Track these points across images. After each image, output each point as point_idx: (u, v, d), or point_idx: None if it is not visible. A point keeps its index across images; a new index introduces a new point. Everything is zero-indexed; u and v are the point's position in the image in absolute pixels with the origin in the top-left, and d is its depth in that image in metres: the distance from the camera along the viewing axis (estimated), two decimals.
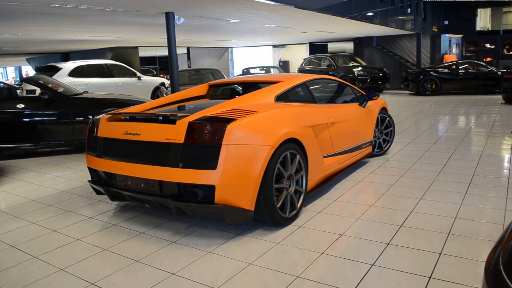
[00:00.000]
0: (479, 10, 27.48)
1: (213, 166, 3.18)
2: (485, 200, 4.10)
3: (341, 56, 18.47)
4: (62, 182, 5.42)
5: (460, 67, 15.36)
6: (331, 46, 25.94)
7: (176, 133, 3.32)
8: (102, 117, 4.01)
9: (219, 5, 9.18)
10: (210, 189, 3.22)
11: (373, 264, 2.87)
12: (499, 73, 14.41)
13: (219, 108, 3.67)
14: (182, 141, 3.28)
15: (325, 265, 2.90)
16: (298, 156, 3.80)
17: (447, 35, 24.36)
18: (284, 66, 26.41)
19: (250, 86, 4.94)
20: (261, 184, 3.38)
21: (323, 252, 3.08)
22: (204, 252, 3.21)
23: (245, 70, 14.66)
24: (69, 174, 5.84)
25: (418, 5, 20.74)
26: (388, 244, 3.18)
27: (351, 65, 17.29)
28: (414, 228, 3.45)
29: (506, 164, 5.51)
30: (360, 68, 16.64)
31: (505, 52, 24.38)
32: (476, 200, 4.10)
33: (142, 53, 21.58)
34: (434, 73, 15.41)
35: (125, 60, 16.87)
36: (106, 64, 13.09)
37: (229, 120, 3.32)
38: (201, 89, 5.21)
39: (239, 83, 5.20)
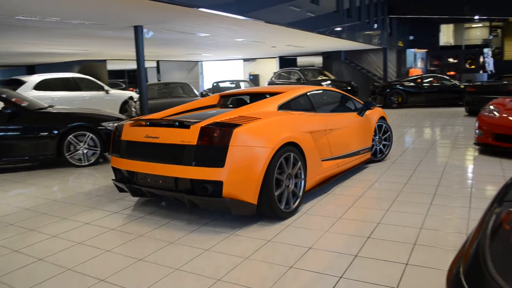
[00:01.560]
0: (442, 26, 28.43)
1: (221, 165, 3.69)
2: (449, 210, 4.20)
3: (310, 70, 18.73)
4: (25, 200, 5.25)
5: (425, 81, 15.81)
6: (301, 60, 26.32)
7: (190, 136, 3.87)
8: (126, 123, 4.60)
9: (188, 19, 9.20)
10: (219, 184, 3.72)
11: (341, 277, 2.88)
12: (462, 86, 14.91)
13: (227, 115, 4.23)
14: (195, 143, 3.83)
15: (292, 278, 2.89)
16: (297, 158, 4.27)
17: (412, 49, 25.09)
18: (254, 80, 26.58)
19: (256, 97, 5.47)
20: (263, 181, 3.85)
21: (291, 266, 3.08)
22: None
23: (215, 84, 14.66)
24: (33, 191, 5.67)
25: (384, 21, 21.33)
26: (356, 256, 3.20)
27: (320, 78, 17.54)
28: (381, 240, 3.50)
29: (469, 175, 5.67)
30: (328, 82, 16.89)
31: (467, 66, 25.26)
32: (441, 210, 4.19)
33: (111, 66, 21.33)
34: (400, 86, 15.80)
35: (93, 73, 16.60)
36: (73, 78, 12.85)
37: (236, 125, 3.85)
38: (213, 99, 5.84)
39: (247, 94, 5.81)
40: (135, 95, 13.47)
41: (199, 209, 4.32)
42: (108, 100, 13.14)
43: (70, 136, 6.98)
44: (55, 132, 6.91)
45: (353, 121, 5.78)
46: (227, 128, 3.81)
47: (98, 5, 7.06)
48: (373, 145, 6.38)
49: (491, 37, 28.28)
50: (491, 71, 23.40)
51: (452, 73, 24.29)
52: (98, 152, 7.19)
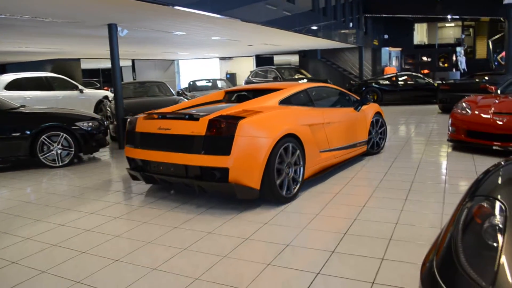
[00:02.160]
0: (416, 25, 28.96)
1: (228, 153, 4.08)
2: (424, 205, 4.28)
3: (287, 69, 18.80)
4: None
5: (399, 79, 16.07)
6: (277, 59, 26.41)
7: (199, 128, 4.26)
8: (139, 116, 4.98)
9: (164, 18, 9.11)
10: (225, 171, 4.12)
11: (318, 273, 2.91)
12: (436, 84, 15.21)
13: (233, 109, 4.63)
14: (203, 133, 4.22)
15: (271, 276, 2.90)
16: (296, 148, 4.64)
17: (387, 48, 25.48)
18: (231, 78, 26.53)
19: (259, 92, 5.77)
20: (265, 168, 4.23)
21: (269, 263, 3.09)
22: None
23: (191, 83, 14.55)
24: (5, 193, 5.53)
25: (360, 20, 21.58)
26: (333, 252, 3.24)
27: (296, 77, 17.63)
28: (357, 235, 3.55)
29: (443, 171, 5.79)
30: (305, 81, 16.99)
31: (441, 64, 25.81)
32: (416, 205, 4.27)
33: (85, 65, 20.97)
34: (375, 84, 16.02)
35: (66, 72, 16.30)
36: (46, 77, 12.58)
37: (241, 118, 4.24)
38: (219, 94, 6.24)
39: (250, 90, 6.14)
40: (110, 95, 13.29)
41: (198, 196, 4.86)
42: (82, 99, 12.92)
43: (43, 137, 6.84)
44: (28, 132, 6.76)
45: (349, 115, 6.13)
46: (233, 120, 4.20)
47: (70, 2, 6.93)
48: (370, 138, 6.74)
49: (463, 36, 28.93)
50: (463, 69, 23.97)
51: (426, 71, 24.79)
52: (73, 152, 7.07)
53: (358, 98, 6.63)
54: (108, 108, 10.26)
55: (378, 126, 6.95)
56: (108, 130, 9.00)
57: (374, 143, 6.91)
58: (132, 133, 4.97)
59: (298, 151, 4.68)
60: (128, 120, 5.16)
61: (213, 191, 4.44)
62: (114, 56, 8.81)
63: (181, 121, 4.50)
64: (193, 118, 4.42)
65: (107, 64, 11.17)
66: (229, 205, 4.54)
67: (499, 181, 1.89)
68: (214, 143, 4.19)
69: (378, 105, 7.14)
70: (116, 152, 8.47)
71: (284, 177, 4.47)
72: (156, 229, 3.93)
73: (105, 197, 5.17)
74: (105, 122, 7.90)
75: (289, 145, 4.52)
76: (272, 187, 4.30)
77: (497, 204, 1.62)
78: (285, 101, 5.16)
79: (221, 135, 4.17)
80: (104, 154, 8.23)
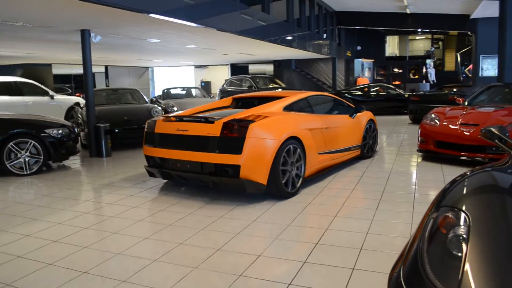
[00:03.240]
0: (388, 37, 29.62)
1: (239, 152, 4.66)
2: (394, 215, 4.35)
3: (262, 78, 18.88)
4: None
5: (372, 90, 16.35)
6: (252, 68, 26.52)
7: (214, 129, 4.84)
8: (158, 119, 5.57)
9: (139, 25, 9.05)
10: (237, 167, 4.68)
11: (289, 284, 2.91)
12: (406, 95, 15.54)
13: (243, 113, 5.21)
14: (218, 134, 4.80)
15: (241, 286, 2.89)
16: (298, 149, 5.21)
17: (360, 59, 25.93)
18: (205, 86, 26.49)
19: (263, 99, 6.34)
20: (271, 166, 4.79)
21: (241, 274, 3.07)
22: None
23: (165, 91, 14.43)
24: None
25: (333, 31, 21.91)
26: (305, 262, 3.24)
27: (271, 86, 17.72)
28: (329, 245, 3.57)
29: (413, 180, 5.90)
30: (279, 90, 17.10)
31: (411, 76, 26.41)
32: (386, 215, 4.34)
33: (56, 70, 20.57)
34: (348, 95, 16.24)
35: (37, 77, 15.92)
36: (15, 82, 12.25)
37: (251, 121, 4.82)
38: (227, 101, 6.86)
39: (255, 97, 6.77)
40: (82, 101, 13.05)
41: (208, 192, 5.38)
42: (53, 106, 12.64)
43: (10, 143, 6.65)
44: None
45: (345, 121, 6.75)
46: (245, 123, 4.79)
47: (43, 7, 6.80)
48: (365, 143, 7.34)
49: (432, 49, 29.72)
50: (433, 81, 24.54)
51: (397, 82, 25.31)
52: (41, 160, 6.90)
53: (353, 106, 7.29)
54: (79, 115, 10.08)
55: (371, 131, 7.55)
56: (79, 138, 8.83)
57: (369, 148, 7.48)
58: (151, 134, 5.53)
59: (300, 152, 5.24)
60: (147, 122, 5.73)
61: (225, 186, 4.97)
62: (86, 62, 8.67)
63: (197, 123, 5.12)
64: (208, 121, 5.01)
65: (80, 70, 11.00)
66: (203, 216, 4.50)
67: (464, 192, 1.93)
68: (228, 143, 4.76)
69: (371, 113, 7.73)
70: (86, 160, 8.30)
71: (287, 174, 5.03)
72: (127, 240, 3.86)
73: (74, 206, 5.05)
74: (76, 130, 7.75)
75: (292, 146, 5.10)
76: (277, 183, 4.87)
77: (461, 214, 1.66)
78: (288, 108, 5.76)
79: (233, 136, 4.75)
80: (74, 162, 8.06)
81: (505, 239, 1.51)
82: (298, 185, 5.23)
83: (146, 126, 5.67)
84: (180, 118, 5.36)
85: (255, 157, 4.72)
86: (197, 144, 4.94)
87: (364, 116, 7.38)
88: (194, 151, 4.95)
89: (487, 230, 1.57)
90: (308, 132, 5.49)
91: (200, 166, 4.96)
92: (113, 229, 4.17)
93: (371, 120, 7.56)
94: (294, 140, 5.15)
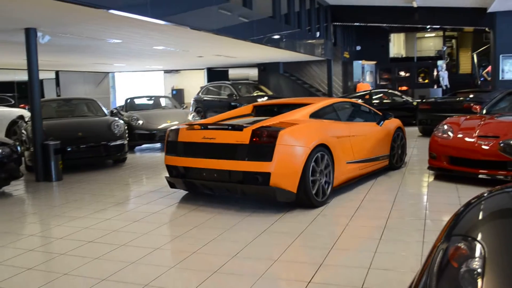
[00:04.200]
0: (392, 35, 30.06)
1: (270, 159, 5.32)
2: (401, 246, 4.37)
3: (244, 85, 18.98)
4: None
5: (374, 97, 16.55)
6: (233, 73, 26.61)
7: (243, 137, 5.51)
8: (181, 127, 6.28)
9: (94, 22, 9.04)
10: (267, 175, 5.34)
11: None
12: (415, 103, 15.71)
13: (271, 121, 5.90)
14: (247, 142, 5.46)
15: None
16: (326, 156, 5.89)
17: (360, 61, 26.22)
18: (177, 95, 26.48)
19: (285, 107, 7.22)
20: (301, 174, 5.43)
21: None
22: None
23: (128, 101, 14.37)
24: None
25: (328, 29, 22.16)
26: None
27: (255, 94, 17.82)
28: (323, 284, 3.56)
29: (423, 204, 5.95)
30: (265, 99, 17.16)
31: (420, 80, 26.78)
32: (392, 246, 4.35)
33: None
34: None
35: None
36: None
37: (281, 128, 5.50)
38: (247, 108, 7.63)
39: (276, 105, 7.71)
40: (27, 114, 12.91)
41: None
42: None
43: None
44: None
45: (372, 129, 7.46)
46: (274, 130, 5.46)
47: None
48: (394, 153, 8.01)
49: (444, 48, 30.21)
50: (446, 86, 24.90)
51: (404, 88, 25.60)
52: None
53: (381, 113, 7.95)
54: (23, 131, 9.95)
55: (399, 141, 8.22)
56: (23, 158, 8.72)
57: (398, 158, 8.14)
58: (174, 143, 6.22)
59: (328, 160, 5.91)
60: (169, 130, 6.46)
61: (254, 194, 5.70)
62: (32, 67, 8.61)
63: (225, 131, 5.81)
64: (236, 128, 5.68)
65: (24, 76, 10.92)
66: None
67: (480, 217, 1.95)
68: (257, 150, 5.45)
69: (399, 121, 8.46)
70: (32, 185, 8.18)
71: (317, 183, 5.67)
72: (79, 282, 3.79)
73: (16, 242, 4.97)
74: (19, 148, 7.66)
75: (321, 154, 5.76)
76: (307, 191, 5.51)
77: (476, 245, 1.67)
78: (315, 115, 6.46)
79: (263, 143, 5.42)
80: (17, 188, 7.94)
81: None
82: (327, 194, 5.90)
83: (167, 135, 6.44)
84: (205, 126, 6.14)
85: (286, 165, 5.41)
86: (225, 152, 5.64)
87: (392, 123, 8.07)
88: (222, 159, 5.65)
89: (506, 263, 1.58)
90: (336, 140, 6.21)
91: (228, 175, 5.66)
92: (63, 269, 4.10)
93: (399, 128, 8.23)
94: (323, 147, 5.84)
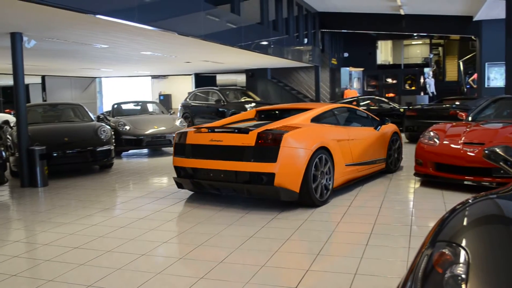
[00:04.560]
0: (380, 42, 30.30)
1: (274, 160, 5.69)
2: (387, 251, 4.39)
3: (232, 90, 18.99)
4: None
5: (361, 104, 16.63)
6: (221, 78, 26.66)
7: (249, 140, 5.88)
8: (189, 130, 6.67)
9: (81, 27, 9.01)
10: (272, 175, 5.71)
11: None
12: (402, 110, 15.83)
13: (274, 125, 6.32)
14: (253, 144, 5.84)
15: None
16: (327, 159, 6.28)
17: (347, 68, 26.36)
18: (165, 100, 26.42)
19: (286, 112, 7.70)
20: (304, 174, 5.80)
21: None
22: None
23: (115, 106, 14.31)
24: None
25: (316, 36, 22.30)
26: None
27: (243, 100, 17.83)
28: None
29: (409, 210, 5.98)
30: (253, 104, 17.16)
31: (407, 87, 26.97)
32: (378, 252, 4.37)
33: None
34: None
35: None
36: None
37: (285, 132, 5.87)
38: (250, 113, 8.13)
39: (278, 109, 8.13)
40: (12, 119, 12.81)
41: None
42: None
43: None
44: None
45: (370, 134, 7.83)
46: (279, 133, 5.83)
47: None
48: (390, 155, 8.39)
49: (431, 55, 30.49)
50: (432, 93, 25.10)
51: (391, 95, 25.76)
52: None
53: (378, 119, 8.42)
54: (8, 136, 9.86)
55: (396, 145, 8.65)
56: (8, 164, 8.64)
57: (394, 161, 8.54)
58: (183, 145, 6.58)
59: (329, 162, 6.30)
60: (176, 133, 6.83)
61: (259, 194, 6.05)
62: (17, 71, 8.55)
63: (231, 134, 6.17)
64: (242, 131, 6.06)
65: (10, 81, 10.83)
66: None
67: (464, 223, 1.97)
68: (263, 152, 5.80)
69: (395, 126, 8.90)
70: (17, 191, 8.11)
71: (318, 183, 6.05)
72: (60, 267, 3.77)
73: (1, 248, 4.92)
74: (4, 154, 7.59)
75: (322, 156, 6.14)
76: (309, 190, 5.88)
77: (460, 251, 1.68)
78: (315, 119, 6.88)
79: (268, 145, 5.78)
80: (1, 194, 7.87)
81: (510, 278, 1.54)
82: (328, 194, 6.29)
83: (175, 137, 6.81)
84: (212, 129, 6.47)
85: (289, 166, 5.77)
86: (232, 154, 6.01)
87: (389, 128, 8.50)
88: (229, 161, 6.02)
89: (489, 268, 1.59)
90: (336, 143, 6.59)
91: (234, 175, 6.00)
92: (48, 275, 4.07)
93: (395, 133, 8.69)
94: (324, 150, 6.22)
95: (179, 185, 6.90)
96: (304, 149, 5.89)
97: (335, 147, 6.50)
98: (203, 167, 6.32)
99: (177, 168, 6.75)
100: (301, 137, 6.03)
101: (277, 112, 8.02)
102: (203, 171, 6.35)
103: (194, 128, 6.78)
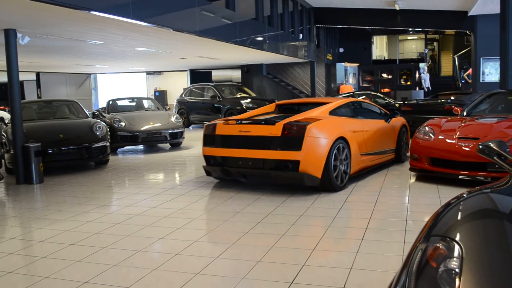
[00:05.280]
0: (375, 37, 30.30)
1: (299, 149, 6.29)
2: (383, 246, 4.41)
3: (228, 86, 18.98)
4: None
5: (357, 99, 16.60)
6: (216, 74, 26.60)
7: (275, 130, 6.47)
8: (218, 122, 7.21)
9: (75, 24, 8.99)
10: (297, 163, 6.33)
11: None
12: (397, 105, 15.82)
13: (298, 116, 6.95)
14: (280, 134, 6.42)
15: None
16: (345, 148, 6.87)
17: (343, 63, 26.35)
18: (160, 96, 26.40)
19: (303, 105, 8.35)
20: (325, 162, 6.38)
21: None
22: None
23: (110, 103, 14.27)
24: None
25: (311, 31, 22.27)
26: None
27: (238, 96, 17.83)
28: (306, 285, 3.58)
29: (405, 204, 6.01)
30: (248, 100, 17.19)
31: (402, 82, 27.00)
32: (374, 247, 4.39)
33: None
34: None
35: None
36: None
37: (308, 123, 6.47)
38: (271, 107, 8.67)
39: (296, 104, 8.82)
40: (7, 116, 12.77)
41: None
42: None
43: None
44: None
45: (381, 126, 8.40)
46: (303, 124, 6.42)
47: None
48: (400, 147, 9.02)
49: (426, 50, 30.51)
50: (427, 88, 25.14)
51: (386, 90, 25.79)
52: None
53: (388, 112, 9.05)
54: (3, 133, 9.84)
55: (405, 136, 9.26)
56: (3, 161, 8.62)
57: (403, 151, 9.12)
58: (212, 136, 7.15)
59: (346, 151, 6.87)
60: (205, 125, 7.38)
61: (284, 179, 6.63)
62: (12, 68, 8.53)
63: (258, 125, 6.77)
64: (269, 122, 6.67)
65: (4, 78, 10.79)
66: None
67: (458, 218, 1.98)
68: (288, 141, 6.39)
69: (404, 119, 9.50)
70: (12, 188, 8.09)
71: (337, 170, 6.64)
72: (56, 263, 3.77)
73: None
74: None
75: (340, 145, 6.72)
76: (330, 176, 6.46)
77: (454, 245, 1.70)
78: (333, 112, 7.47)
79: (294, 135, 6.35)
80: None
81: (503, 272, 1.55)
82: (346, 180, 6.88)
83: (204, 129, 7.34)
84: (240, 121, 7.08)
85: (312, 153, 6.34)
86: (260, 143, 6.59)
87: (398, 121, 9.08)
88: (257, 149, 6.60)
89: (483, 262, 1.61)
90: (352, 134, 7.15)
91: (262, 163, 6.61)
92: (44, 272, 4.08)
93: (404, 126, 9.30)
94: (342, 140, 6.79)
95: (208, 173, 7.45)
96: (326, 138, 6.46)
97: (351, 138, 7.05)
98: (232, 156, 6.89)
99: (207, 157, 7.31)
100: (322, 128, 6.60)
101: (295, 106, 8.62)
102: (232, 159, 6.93)
103: (223, 120, 7.32)
